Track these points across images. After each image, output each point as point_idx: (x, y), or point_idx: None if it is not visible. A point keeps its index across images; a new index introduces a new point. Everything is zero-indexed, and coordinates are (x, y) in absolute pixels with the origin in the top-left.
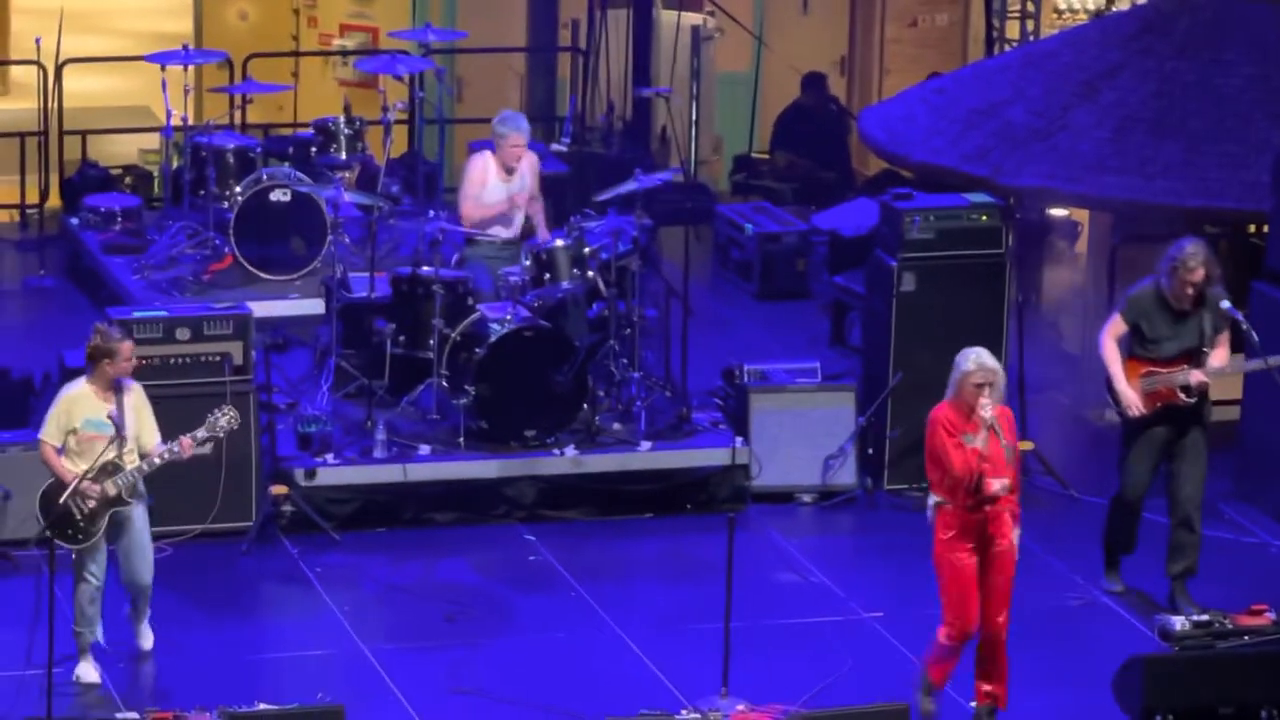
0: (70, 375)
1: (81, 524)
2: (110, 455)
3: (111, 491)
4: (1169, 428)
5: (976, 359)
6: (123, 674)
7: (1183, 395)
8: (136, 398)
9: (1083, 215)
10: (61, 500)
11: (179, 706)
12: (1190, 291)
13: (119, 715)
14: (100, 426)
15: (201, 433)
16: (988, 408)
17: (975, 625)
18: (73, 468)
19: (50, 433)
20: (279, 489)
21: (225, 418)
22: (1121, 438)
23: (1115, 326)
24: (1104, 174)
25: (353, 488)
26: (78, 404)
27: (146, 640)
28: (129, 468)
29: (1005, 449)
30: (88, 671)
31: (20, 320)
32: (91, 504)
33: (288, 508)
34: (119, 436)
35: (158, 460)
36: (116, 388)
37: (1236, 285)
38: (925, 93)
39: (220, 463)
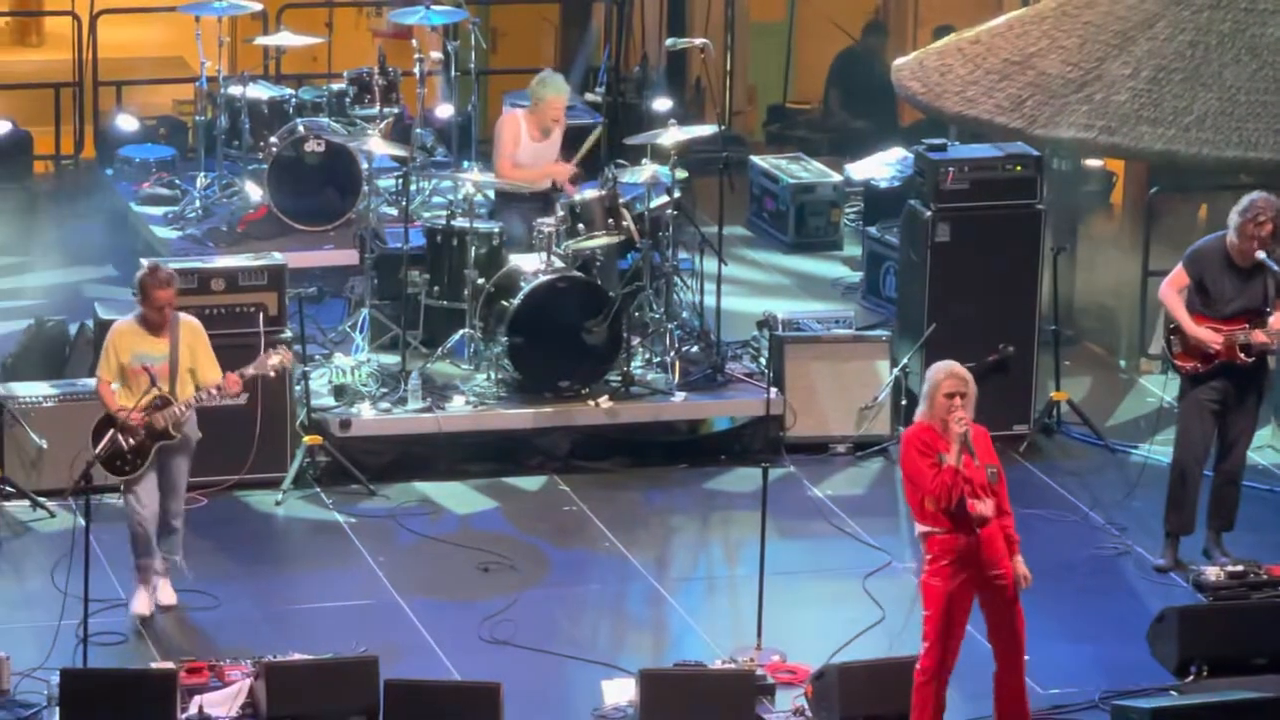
0: (104, 328)
1: (129, 456)
2: (157, 390)
3: (159, 424)
4: (1224, 383)
5: (948, 367)
6: (157, 624)
7: (1241, 355)
8: (190, 333)
9: (1118, 166)
10: (109, 432)
11: (214, 656)
12: (1257, 246)
13: (154, 665)
14: (146, 359)
15: (250, 370)
16: (961, 422)
17: (953, 660)
18: (123, 401)
19: (102, 368)
20: (313, 439)
21: (278, 357)
22: (1179, 395)
23: (1177, 279)
24: (1139, 124)
25: (387, 439)
26: (125, 338)
27: (165, 596)
28: (178, 403)
29: (988, 471)
30: (141, 603)
31: (55, 271)
32: (138, 437)
33: (322, 458)
34: (151, 385)
35: (204, 397)
36: (165, 323)
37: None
38: (960, 43)
39: (255, 414)
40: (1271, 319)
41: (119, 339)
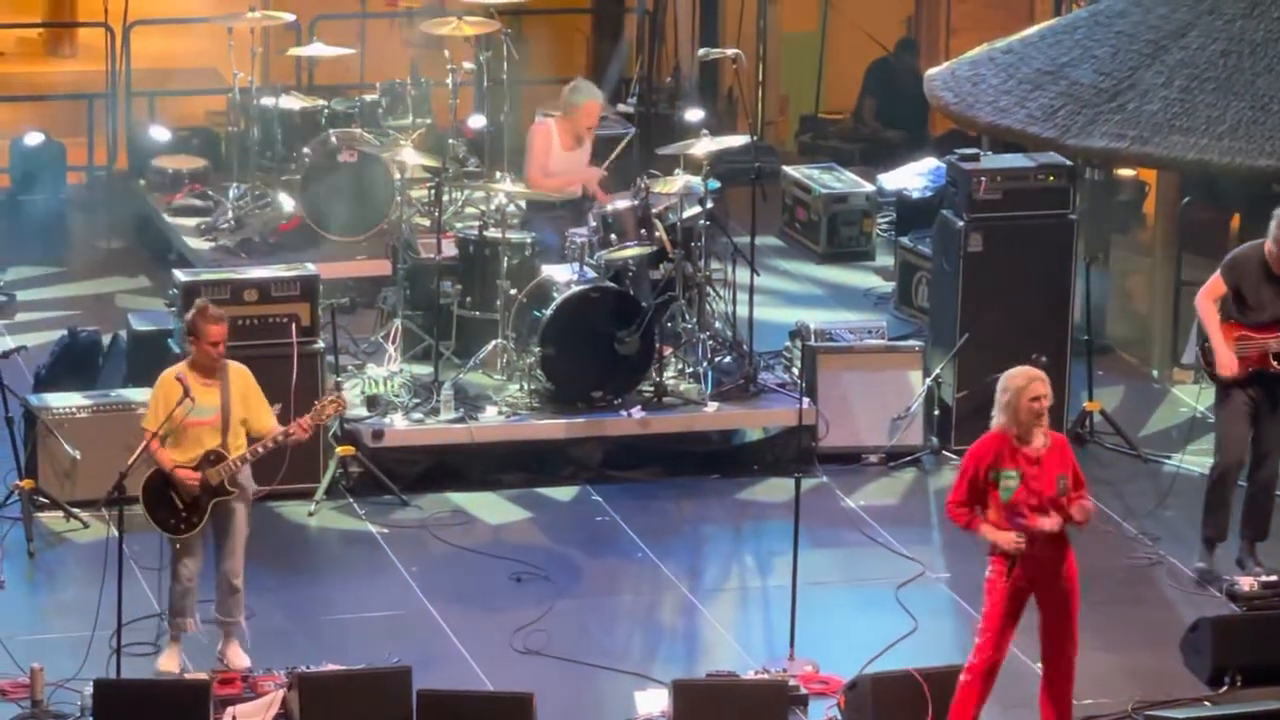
0: (137, 338)
1: (184, 514)
2: (212, 444)
3: (214, 480)
4: (1258, 390)
5: (1027, 372)
6: (190, 635)
7: (1275, 363)
8: (241, 380)
9: (1150, 175)
10: (163, 489)
11: (247, 667)
12: None
13: (187, 675)
14: (199, 411)
15: (308, 419)
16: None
17: (1001, 655)
18: (176, 456)
19: (150, 419)
20: (346, 450)
21: (333, 405)
22: (1215, 403)
23: (1214, 288)
24: (1171, 134)
25: (420, 449)
26: (175, 389)
27: (238, 659)
28: (232, 456)
29: (1059, 482)
30: (170, 661)
31: (88, 283)
32: (193, 493)
33: (355, 469)
34: (185, 395)
35: (267, 447)
36: (218, 364)
37: None
38: (992, 53)
39: (287, 424)
40: None
41: (170, 389)
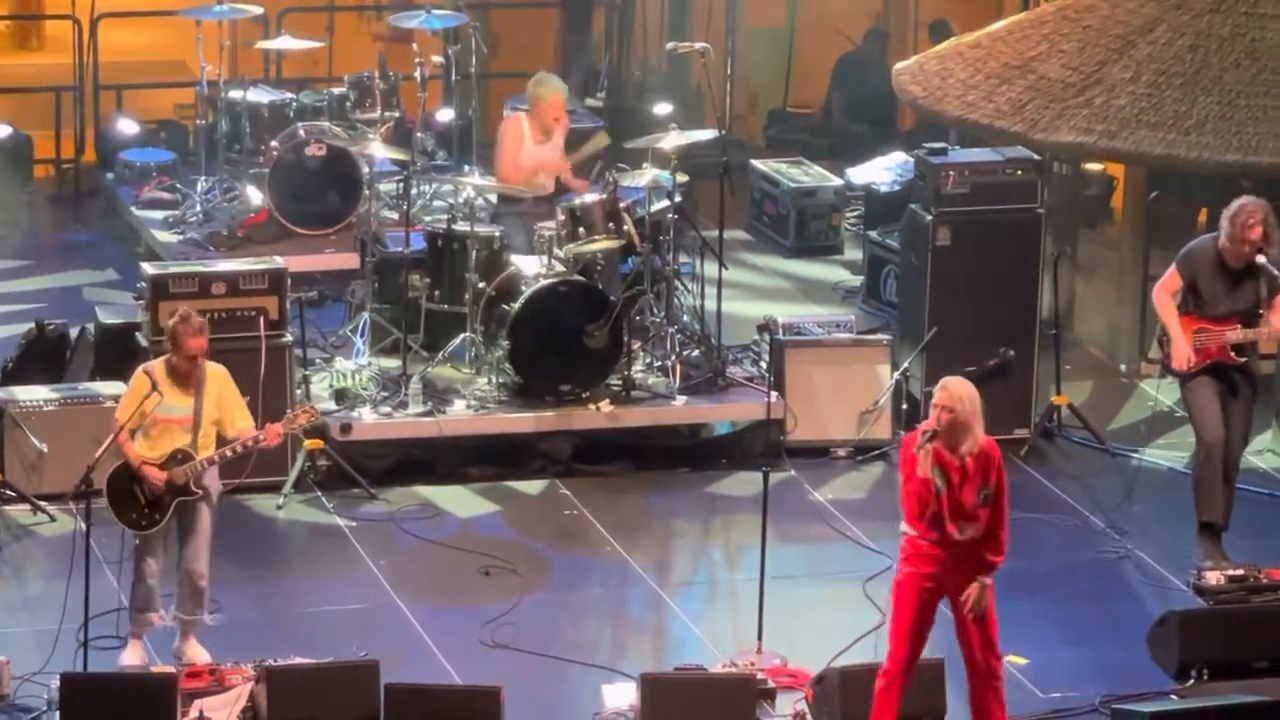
0: (105, 331)
1: (145, 510)
2: (182, 442)
3: (179, 480)
4: (1217, 382)
5: (944, 381)
6: (158, 629)
7: (1233, 354)
8: (217, 381)
9: (1118, 170)
10: (127, 485)
11: (214, 660)
12: (1247, 250)
13: (154, 668)
14: (172, 410)
15: (280, 426)
16: (925, 431)
17: (904, 665)
18: (145, 451)
19: (120, 409)
20: (314, 443)
21: (306, 416)
22: (1182, 395)
23: (1171, 282)
24: (1139, 129)
25: (388, 442)
26: (146, 381)
27: (199, 654)
28: (200, 457)
29: (980, 494)
30: (133, 656)
31: (55, 275)
32: (156, 490)
33: (323, 462)
34: (153, 389)
35: (236, 450)
36: (195, 373)
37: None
38: (960, 47)
39: (256, 418)
40: (1271, 316)
41: (142, 382)
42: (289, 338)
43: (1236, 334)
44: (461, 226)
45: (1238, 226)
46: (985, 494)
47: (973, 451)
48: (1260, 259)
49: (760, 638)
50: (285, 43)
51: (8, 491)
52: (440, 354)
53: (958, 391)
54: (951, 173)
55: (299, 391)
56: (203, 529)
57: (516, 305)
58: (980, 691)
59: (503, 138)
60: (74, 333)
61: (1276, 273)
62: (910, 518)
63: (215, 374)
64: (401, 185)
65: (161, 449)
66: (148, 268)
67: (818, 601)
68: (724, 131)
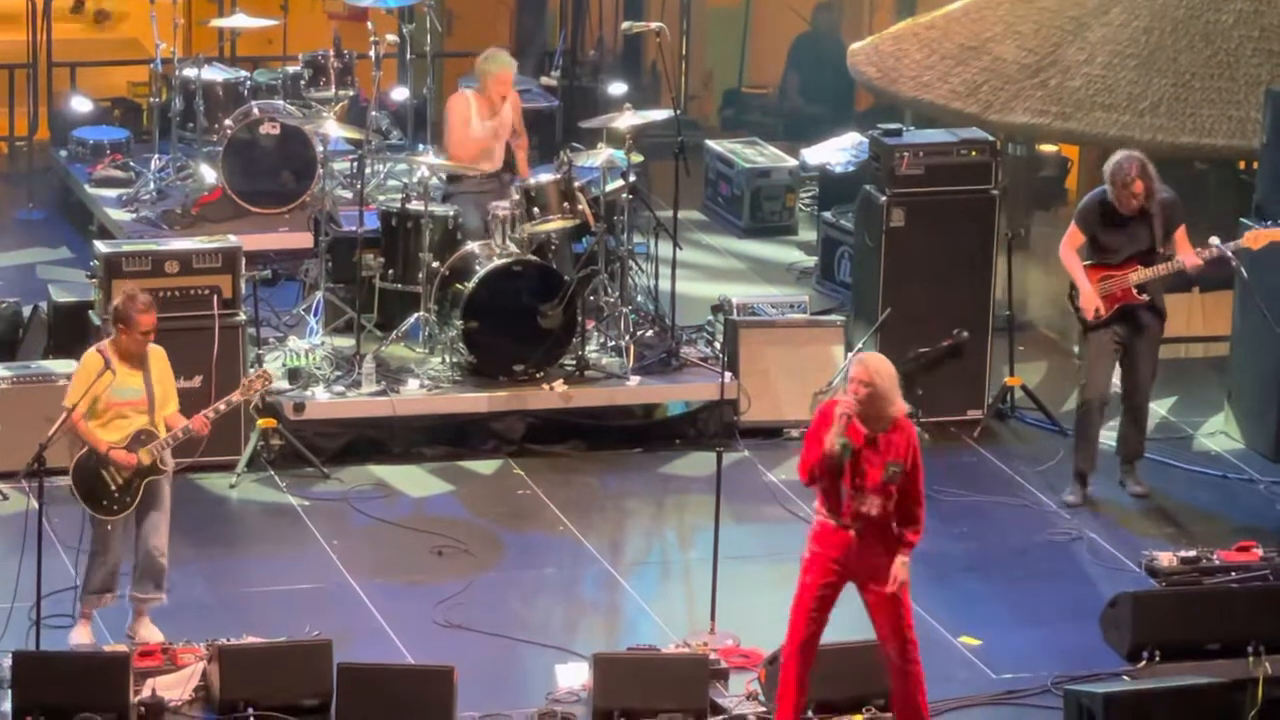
0: (59, 310)
1: (115, 493)
2: (144, 423)
3: (146, 460)
4: (1125, 327)
5: (861, 357)
6: (110, 607)
7: (1136, 293)
8: (159, 364)
9: (1073, 151)
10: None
11: (167, 639)
12: (1135, 202)
13: (106, 647)
14: (124, 393)
15: (222, 405)
16: (842, 405)
17: (800, 644)
18: (103, 435)
19: (72, 397)
20: (267, 422)
21: (259, 378)
22: (1082, 343)
23: (1074, 238)
24: (1094, 110)
25: (341, 421)
26: (96, 361)
27: (153, 633)
28: (162, 435)
29: (887, 469)
30: (83, 634)
31: (9, 254)
32: (126, 473)
33: (276, 441)
34: (107, 368)
35: (173, 440)
36: (144, 352)
37: (1227, 222)
38: (916, 28)
39: (209, 397)
40: (1179, 254)
41: (90, 365)
42: (242, 316)
43: (1137, 274)
44: (416, 205)
45: (1119, 185)
46: (894, 470)
47: (887, 427)
48: (1150, 206)
49: (713, 618)
50: (240, 21)
51: None
52: (394, 333)
53: (875, 365)
54: (906, 154)
55: (252, 371)
56: (163, 505)
57: (470, 285)
58: (895, 675)
59: (450, 115)
60: (27, 311)
61: (1216, 243)
62: (804, 472)
63: (156, 353)
64: (356, 164)
65: (122, 433)
66: (101, 246)
67: (771, 582)
68: (679, 111)
